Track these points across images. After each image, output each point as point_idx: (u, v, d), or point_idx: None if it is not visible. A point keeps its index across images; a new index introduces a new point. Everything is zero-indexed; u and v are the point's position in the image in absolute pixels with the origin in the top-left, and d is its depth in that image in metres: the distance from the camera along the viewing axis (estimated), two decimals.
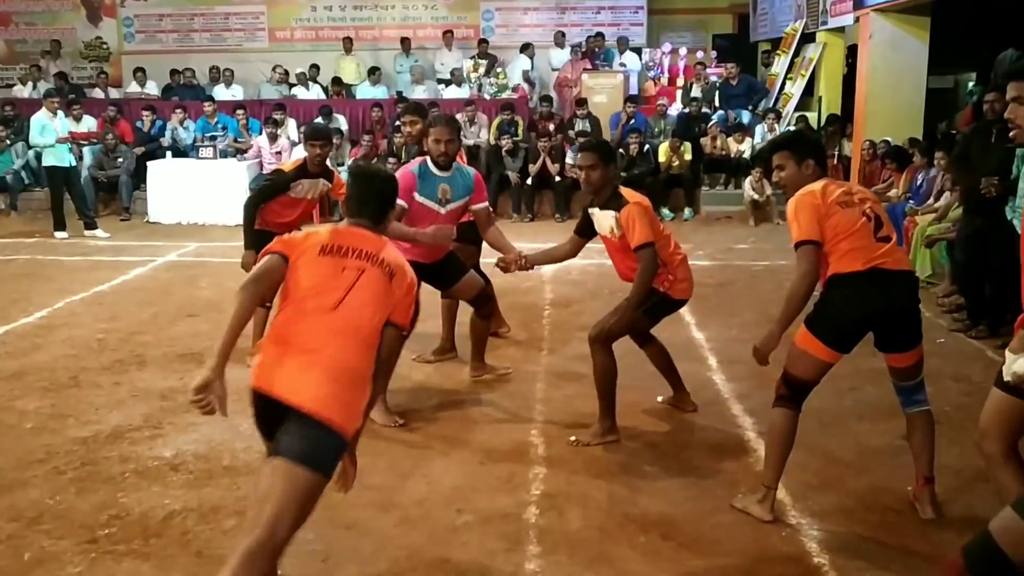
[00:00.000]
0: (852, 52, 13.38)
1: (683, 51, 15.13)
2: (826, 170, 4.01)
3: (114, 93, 15.33)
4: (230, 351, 3.01)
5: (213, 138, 12.88)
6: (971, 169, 6.61)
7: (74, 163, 11.57)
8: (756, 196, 12.01)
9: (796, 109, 13.67)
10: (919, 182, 9.42)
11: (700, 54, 15.29)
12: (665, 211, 12.25)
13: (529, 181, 12.57)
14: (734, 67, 14.11)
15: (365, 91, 14.83)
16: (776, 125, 12.88)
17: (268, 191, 6.03)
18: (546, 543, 3.76)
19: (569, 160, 12.55)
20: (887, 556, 3.65)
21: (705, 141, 13.02)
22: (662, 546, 3.74)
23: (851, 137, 12.56)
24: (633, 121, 13.08)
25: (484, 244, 5.79)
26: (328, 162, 6.24)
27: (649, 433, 4.96)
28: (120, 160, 12.91)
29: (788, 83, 14.21)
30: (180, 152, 13.22)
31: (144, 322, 7.26)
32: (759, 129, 13.11)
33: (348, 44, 15.71)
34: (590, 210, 4.84)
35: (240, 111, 13.50)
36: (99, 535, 3.85)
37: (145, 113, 13.81)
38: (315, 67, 15.12)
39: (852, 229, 3.72)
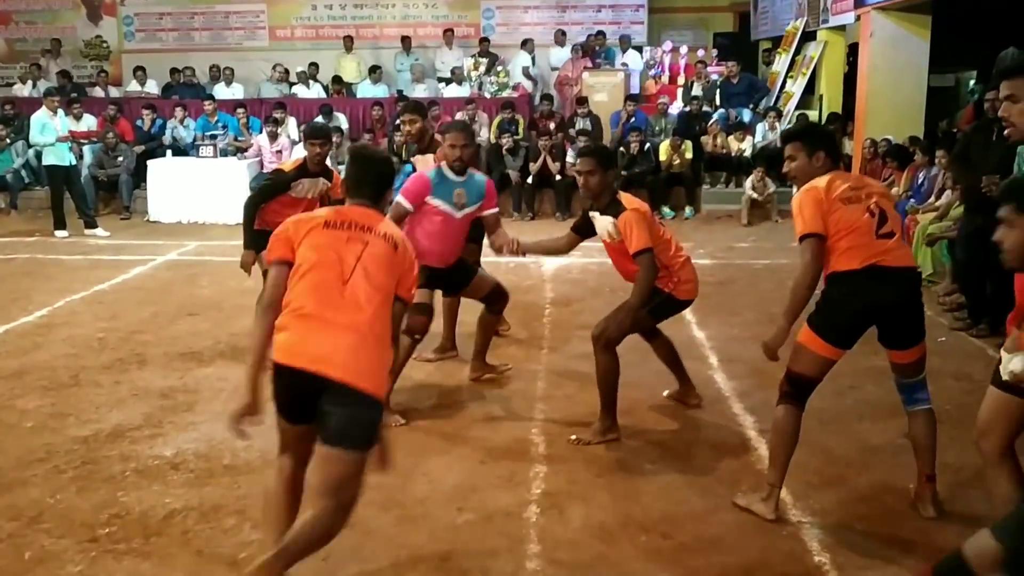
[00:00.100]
0: (853, 50, 13.37)
1: (684, 49, 15.10)
2: (838, 163, 4.01)
3: (114, 92, 15.34)
4: (259, 376, 3.23)
5: (213, 137, 12.89)
6: (972, 167, 6.60)
7: (74, 162, 11.57)
8: (756, 195, 12.00)
9: (797, 107, 13.67)
10: (920, 181, 9.41)
11: (701, 52, 15.28)
12: (666, 210, 12.25)
13: (530, 180, 12.56)
14: (735, 65, 14.10)
15: (366, 90, 14.83)
16: (777, 123, 12.88)
17: (268, 191, 6.02)
18: (547, 542, 3.76)
19: (570, 159, 12.55)
20: (888, 555, 3.65)
21: (706, 139, 13.02)
22: (663, 545, 3.74)
23: (852, 136, 12.55)
24: (634, 119, 13.07)
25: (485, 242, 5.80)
26: (328, 161, 6.24)
27: (650, 432, 4.95)
28: (120, 159, 12.91)
29: (789, 81, 14.20)
30: (180, 151, 13.22)
31: (144, 321, 7.26)
32: (760, 128, 13.11)
33: (348, 43, 15.70)
34: (591, 213, 4.84)
35: (240, 110, 13.50)
36: (99, 534, 3.85)
37: (145, 112, 13.81)
38: (314, 65, 15.11)
39: (852, 227, 3.72)
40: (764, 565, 3.57)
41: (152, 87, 15.33)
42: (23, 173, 13.23)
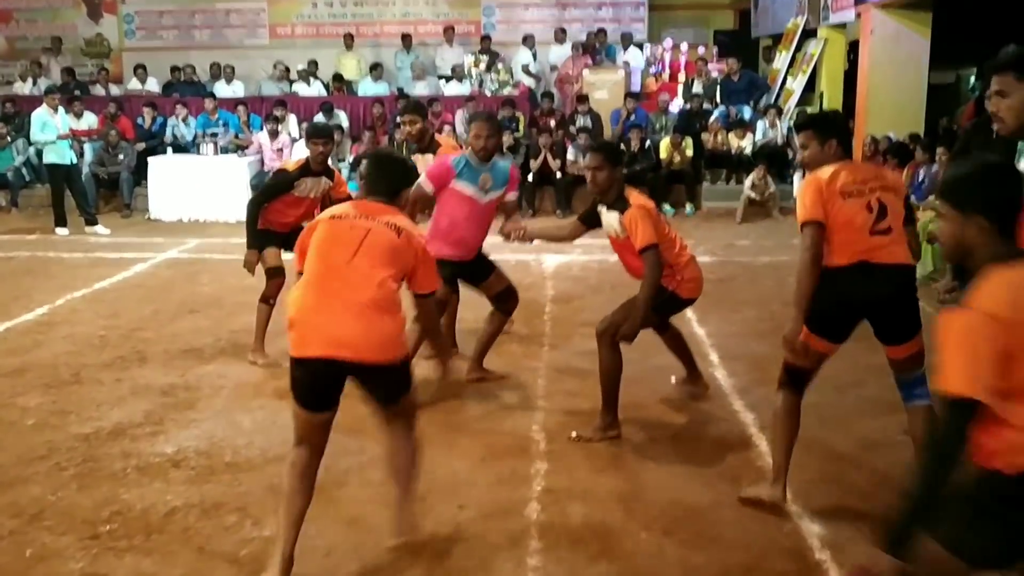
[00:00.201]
0: (853, 48, 13.37)
1: (684, 47, 15.10)
2: (850, 152, 4.03)
3: (115, 90, 15.35)
4: None
5: (214, 135, 12.90)
6: None
7: (75, 160, 11.58)
8: (754, 195, 11.99)
9: (797, 105, 13.67)
10: (921, 178, 9.42)
11: (701, 50, 15.26)
12: (666, 207, 12.25)
13: (530, 177, 12.56)
14: (735, 63, 14.10)
15: (367, 87, 14.82)
16: (777, 121, 12.88)
17: (272, 190, 6.02)
18: (548, 538, 3.76)
19: (570, 156, 12.56)
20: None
21: (706, 137, 13.02)
22: (664, 541, 3.74)
23: (852, 133, 12.54)
24: (634, 117, 13.08)
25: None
26: (328, 160, 6.24)
27: (651, 428, 4.96)
28: (121, 157, 12.91)
29: (789, 79, 14.21)
30: (181, 149, 13.22)
31: (145, 319, 7.26)
32: (760, 125, 13.11)
33: (349, 40, 15.69)
34: (599, 207, 4.86)
35: (241, 107, 13.51)
36: (101, 531, 3.85)
37: (146, 110, 13.83)
38: (314, 63, 15.10)
39: (847, 222, 3.75)
40: (765, 562, 3.57)
41: (153, 85, 15.33)
42: (24, 171, 13.24)
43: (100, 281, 8.56)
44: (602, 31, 15.28)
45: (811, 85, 13.92)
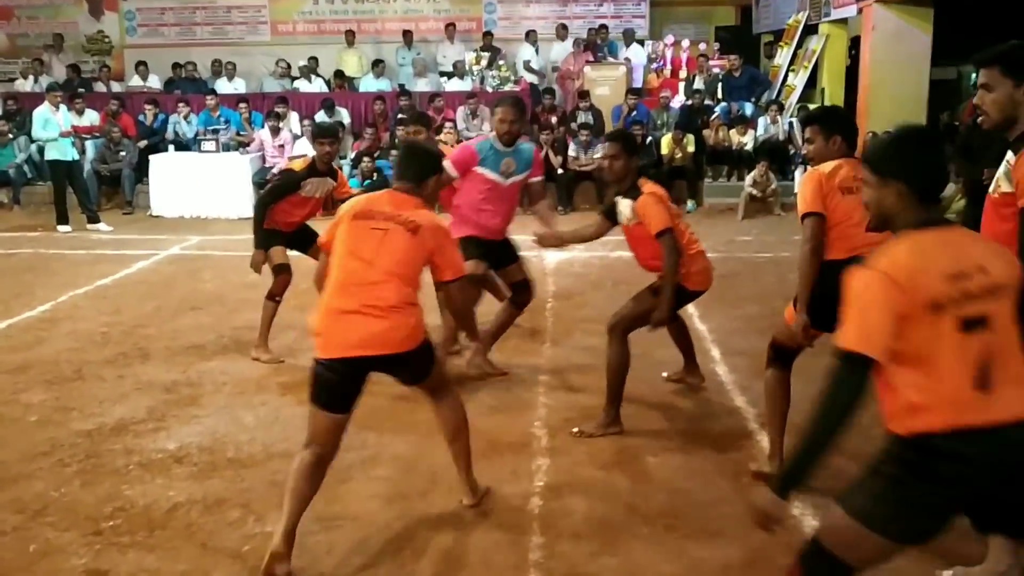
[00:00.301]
0: (855, 44, 13.35)
1: (686, 43, 15.08)
2: (854, 148, 4.13)
3: (116, 87, 15.34)
4: None
5: (215, 132, 12.89)
6: (974, 160, 6.60)
7: (77, 157, 11.58)
8: (755, 192, 11.97)
9: (799, 101, 13.65)
10: None
11: (703, 46, 15.25)
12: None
13: None
14: (737, 59, 14.08)
15: (369, 84, 14.81)
16: (779, 117, 12.86)
17: (280, 190, 6.03)
18: (550, 534, 3.77)
19: (572, 153, 12.56)
20: None
21: (708, 133, 13.01)
22: (665, 537, 3.75)
23: (858, 130, 12.52)
24: (635, 113, 13.06)
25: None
26: (333, 160, 6.26)
27: (652, 424, 4.96)
28: (123, 154, 12.91)
29: (791, 75, 14.19)
30: (182, 146, 13.22)
31: (147, 315, 7.27)
32: (762, 121, 13.10)
33: (350, 37, 15.68)
34: (616, 198, 4.94)
35: (242, 104, 13.50)
36: (104, 527, 3.86)
37: (147, 107, 13.82)
38: (314, 59, 15.09)
39: (845, 217, 3.86)
40: (766, 557, 3.58)
41: (154, 82, 15.33)
42: (26, 168, 13.24)
43: (102, 278, 8.57)
44: (604, 27, 15.25)
45: (812, 81, 13.91)
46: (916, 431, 2.29)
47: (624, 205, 4.80)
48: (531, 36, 15.14)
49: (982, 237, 2.51)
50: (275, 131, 12.70)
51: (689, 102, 13.69)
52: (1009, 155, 3.04)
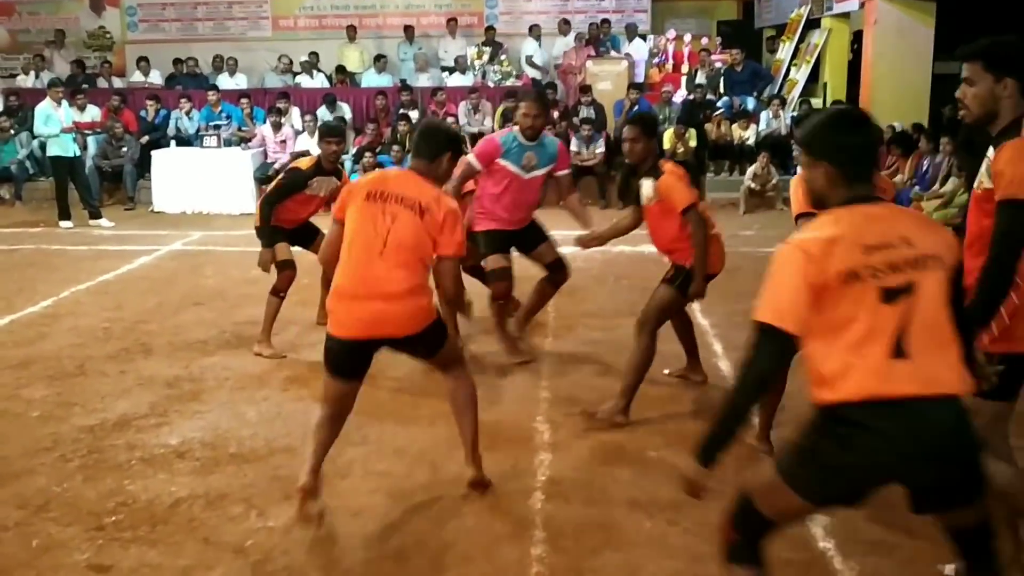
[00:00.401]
0: (857, 38, 13.32)
1: (687, 37, 15.03)
2: None
3: (118, 82, 15.32)
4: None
5: (217, 127, 12.88)
6: (977, 155, 6.57)
7: (78, 153, 11.57)
8: (754, 185, 11.95)
9: (801, 95, 13.62)
10: (924, 168, 9.41)
11: (705, 40, 15.22)
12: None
13: None
14: (739, 53, 14.03)
15: (371, 79, 14.80)
16: (781, 112, 12.83)
17: (286, 189, 6.03)
18: (551, 529, 3.77)
19: (574, 147, 12.53)
20: (891, 539, 3.65)
21: (710, 128, 12.98)
22: (668, 531, 3.75)
23: None
24: (637, 108, 13.02)
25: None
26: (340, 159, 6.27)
27: (653, 419, 4.96)
28: (124, 149, 12.91)
29: (793, 69, 14.16)
30: (184, 141, 13.21)
31: (149, 311, 7.27)
32: (764, 116, 13.06)
33: (352, 32, 15.65)
34: (641, 179, 5.03)
35: (244, 100, 13.48)
36: (106, 522, 3.87)
37: (149, 102, 13.81)
38: (315, 54, 15.07)
39: None
40: (769, 551, 3.57)
41: (156, 77, 15.31)
42: (27, 164, 13.23)
43: (104, 274, 8.58)
44: (606, 22, 15.22)
45: (815, 75, 13.87)
46: (832, 400, 2.34)
47: (646, 186, 4.92)
48: (534, 31, 15.10)
49: (913, 212, 2.56)
50: (277, 127, 12.69)
51: (691, 97, 13.66)
52: (990, 151, 3.04)
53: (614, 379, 5.60)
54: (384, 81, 14.59)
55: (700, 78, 14.04)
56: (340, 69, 14.84)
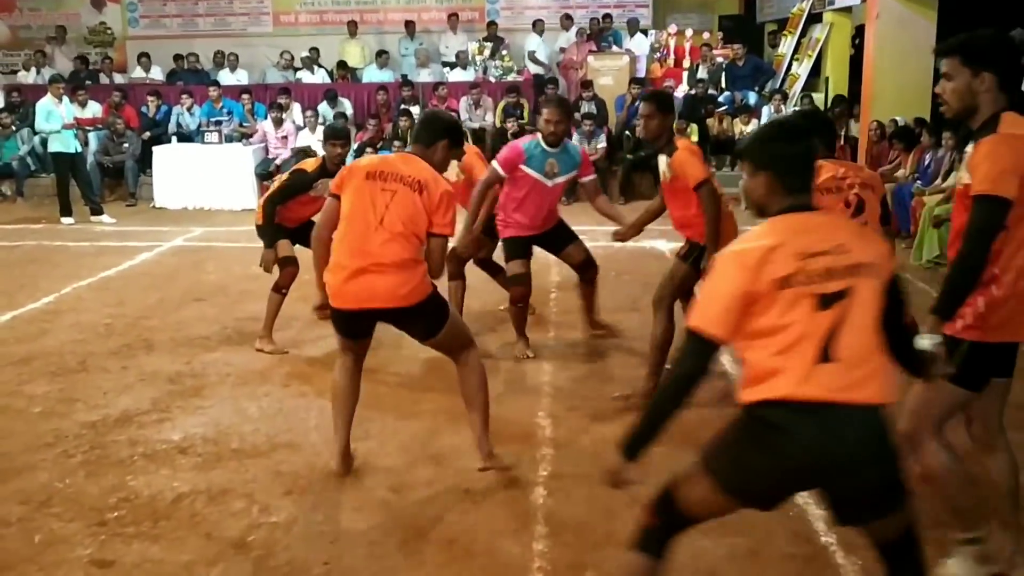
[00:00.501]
0: (859, 32, 13.30)
1: (689, 32, 15.02)
2: (833, 150, 4.32)
3: (119, 78, 15.32)
4: (323, 283, 4.03)
5: (218, 123, 12.87)
6: None
7: (80, 149, 11.57)
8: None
9: (803, 90, 13.59)
10: (927, 162, 9.39)
11: (706, 35, 15.20)
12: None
13: None
14: (740, 48, 14.03)
15: (372, 74, 14.79)
16: (783, 106, 12.81)
17: (291, 191, 6.02)
18: (553, 524, 3.77)
19: (576, 143, 12.51)
20: None
21: (711, 123, 12.96)
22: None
23: (858, 118, 12.49)
24: (638, 103, 13.00)
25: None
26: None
27: None
28: (126, 145, 12.91)
29: (795, 64, 14.13)
30: (185, 137, 13.21)
31: (151, 307, 7.28)
32: (766, 110, 13.05)
33: (353, 28, 15.64)
34: (658, 157, 5.09)
35: (245, 96, 13.48)
36: (108, 518, 3.87)
37: (150, 98, 13.80)
38: (315, 50, 15.06)
39: None
40: (771, 545, 3.58)
41: (157, 73, 15.30)
42: (29, 160, 13.23)
43: (106, 270, 8.58)
44: (607, 16, 15.20)
45: (816, 70, 13.85)
46: (755, 399, 2.38)
47: (662, 162, 4.96)
48: (538, 25, 15.08)
49: (849, 222, 2.62)
50: (278, 122, 12.69)
51: (692, 92, 13.65)
52: (969, 146, 3.05)
53: (616, 373, 5.61)
54: (385, 76, 14.58)
55: (701, 73, 14.02)
56: (341, 65, 14.83)
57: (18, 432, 4.79)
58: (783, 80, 14.09)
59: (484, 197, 5.71)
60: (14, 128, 13.15)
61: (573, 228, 6.01)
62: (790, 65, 14.19)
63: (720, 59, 14.30)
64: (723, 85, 13.87)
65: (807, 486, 2.49)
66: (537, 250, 5.97)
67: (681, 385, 2.45)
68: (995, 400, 3.22)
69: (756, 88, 13.77)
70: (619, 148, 12.81)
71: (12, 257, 9.32)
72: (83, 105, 12.16)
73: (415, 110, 12.77)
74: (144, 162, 12.90)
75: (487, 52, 14.52)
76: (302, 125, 12.85)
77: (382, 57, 14.91)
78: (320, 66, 14.95)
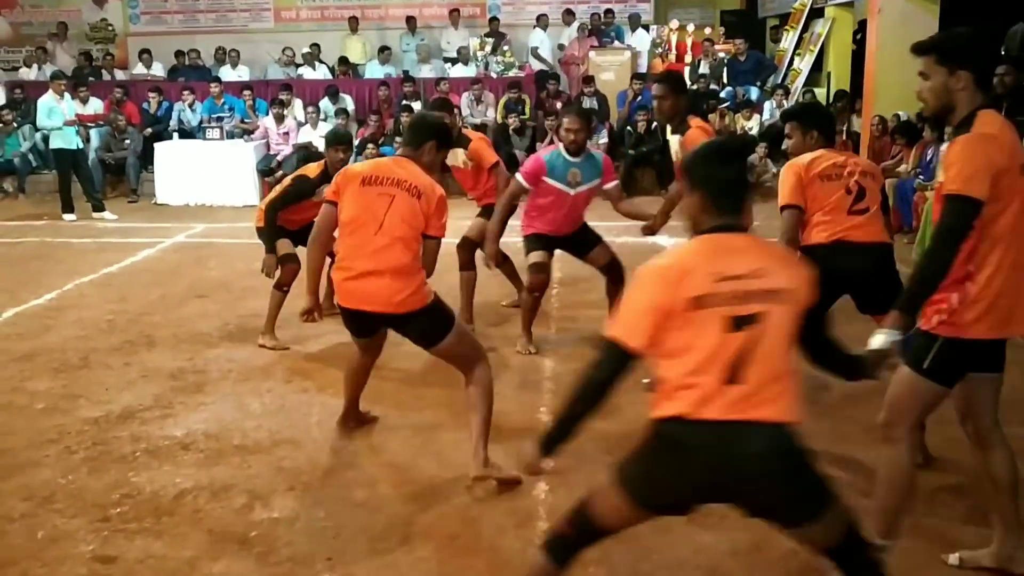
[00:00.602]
0: (861, 27, 13.27)
1: (691, 27, 14.98)
2: (832, 142, 4.42)
3: (120, 75, 15.32)
4: (316, 287, 4.29)
5: (220, 119, 12.87)
6: None
7: (81, 145, 11.57)
8: (750, 176, 11.88)
9: (805, 85, 13.58)
10: (928, 157, 9.36)
11: (708, 30, 15.17)
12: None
13: None
14: (742, 43, 14.00)
15: (374, 70, 14.78)
16: (784, 101, 12.79)
17: (292, 197, 6.01)
18: (555, 519, 3.76)
19: None
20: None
21: (713, 118, 12.93)
22: (672, 521, 3.72)
23: (860, 113, 12.47)
24: (640, 98, 13.00)
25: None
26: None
27: None
28: (127, 142, 12.91)
29: (797, 59, 14.11)
30: (187, 133, 13.21)
31: (153, 303, 7.28)
32: (767, 105, 13.04)
33: (354, 23, 15.62)
34: (670, 137, 5.17)
35: (246, 92, 13.47)
36: (111, 513, 3.88)
37: (152, 95, 13.80)
38: (316, 46, 15.05)
39: (825, 203, 4.11)
40: (773, 540, 3.56)
41: (158, 70, 15.29)
42: (30, 157, 13.23)
43: (108, 266, 8.59)
44: (609, 12, 15.17)
45: (818, 65, 13.83)
46: (661, 415, 2.46)
47: (674, 141, 5.02)
48: (542, 20, 15.05)
49: (772, 246, 2.66)
50: (279, 118, 12.68)
51: (694, 87, 13.59)
52: (943, 145, 3.07)
53: None
54: (387, 72, 14.56)
55: (703, 68, 13.99)
56: (343, 61, 14.81)
57: (21, 428, 4.80)
58: (785, 75, 14.07)
59: (509, 209, 5.79)
60: (16, 125, 13.15)
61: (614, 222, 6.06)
62: (792, 60, 14.17)
63: (722, 54, 14.26)
64: (725, 80, 13.84)
65: (716, 499, 2.56)
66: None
67: (594, 391, 2.53)
68: (985, 396, 3.22)
69: (758, 83, 13.76)
70: (621, 143, 12.79)
71: (14, 254, 9.33)
72: (84, 102, 12.18)
73: (417, 106, 12.77)
74: (146, 158, 12.90)
75: (488, 48, 14.49)
76: (304, 121, 12.85)
77: (384, 53, 14.90)
78: (321, 62, 14.94)
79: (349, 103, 13.50)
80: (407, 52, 15.31)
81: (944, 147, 3.07)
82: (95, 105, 12.54)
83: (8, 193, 13.14)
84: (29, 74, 15.01)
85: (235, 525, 3.79)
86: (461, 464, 4.24)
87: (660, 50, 14.87)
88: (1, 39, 16.97)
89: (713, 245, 2.47)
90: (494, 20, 15.27)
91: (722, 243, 2.47)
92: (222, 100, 13.31)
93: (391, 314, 3.99)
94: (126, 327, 6.60)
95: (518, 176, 5.76)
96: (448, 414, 4.85)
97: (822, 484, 2.49)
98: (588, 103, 12.98)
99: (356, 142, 12.35)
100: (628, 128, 12.62)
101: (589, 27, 14.72)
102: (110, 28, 16.77)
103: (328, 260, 4.54)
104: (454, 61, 14.84)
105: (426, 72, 14.46)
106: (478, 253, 6.24)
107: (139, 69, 15.33)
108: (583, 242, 5.90)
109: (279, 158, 12.42)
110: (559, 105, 13.05)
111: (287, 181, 6.20)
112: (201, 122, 13.12)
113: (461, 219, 6.21)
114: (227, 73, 14.71)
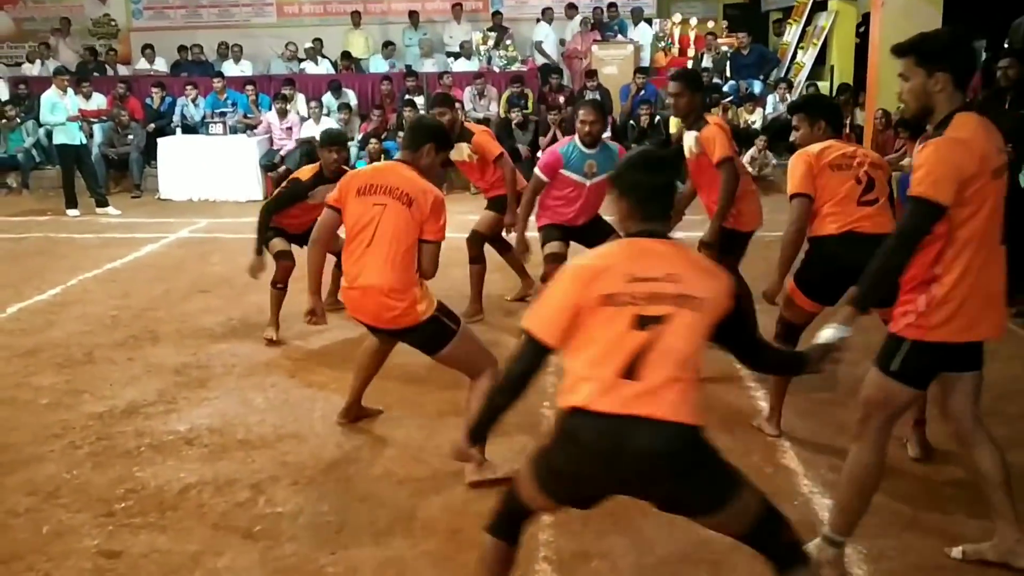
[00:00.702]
0: (865, 20, 13.23)
1: (694, 21, 14.95)
2: (839, 132, 4.43)
3: (123, 70, 15.32)
4: (317, 288, 4.33)
5: (223, 114, 12.87)
6: None
7: (84, 141, 11.57)
8: (751, 169, 11.86)
9: (808, 78, 13.56)
10: None
11: (711, 24, 15.14)
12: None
13: (539, 154, 12.50)
14: (745, 37, 13.96)
15: (377, 65, 14.77)
16: (788, 95, 12.78)
17: (285, 200, 6.00)
18: (559, 514, 3.77)
19: None
20: (898, 523, 3.66)
21: (716, 111, 12.91)
22: (673, 516, 3.74)
23: (863, 106, 12.44)
24: (643, 92, 12.99)
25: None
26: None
27: None
28: (130, 137, 12.91)
29: (800, 52, 14.09)
30: (190, 128, 13.22)
31: (156, 298, 7.29)
32: (770, 99, 13.01)
33: (356, 18, 15.60)
34: (684, 133, 5.20)
35: (249, 87, 13.46)
36: (116, 508, 3.89)
37: (154, 90, 13.80)
38: (318, 40, 15.04)
39: (836, 193, 4.10)
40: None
41: (161, 65, 15.29)
42: (34, 152, 13.25)
43: (111, 261, 8.60)
44: (612, 6, 15.14)
45: (822, 58, 13.80)
46: (563, 407, 2.53)
47: (689, 137, 5.04)
48: (547, 14, 15.02)
49: (697, 256, 2.71)
50: (282, 113, 12.68)
51: None
52: (917, 146, 3.07)
53: None
54: (389, 67, 14.54)
55: (706, 62, 13.97)
56: (345, 55, 14.80)
57: (25, 423, 4.82)
58: (788, 69, 14.05)
59: (532, 204, 5.88)
60: (19, 120, 13.16)
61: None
62: (795, 53, 14.15)
63: (725, 48, 14.23)
64: (728, 74, 13.81)
65: (615, 492, 2.60)
66: (535, 244, 6.03)
67: (514, 382, 2.60)
68: (961, 395, 3.23)
69: (761, 77, 13.72)
70: (623, 137, 12.77)
71: (18, 249, 9.34)
72: (88, 97, 12.17)
73: (419, 100, 12.76)
74: (149, 154, 12.90)
75: (491, 42, 14.47)
76: (306, 116, 12.85)
77: (386, 48, 14.88)
78: (324, 57, 14.93)
79: (352, 98, 13.49)
80: (410, 47, 15.29)
81: (918, 147, 3.06)
82: (98, 100, 12.54)
83: (12, 189, 13.16)
84: (32, 70, 15.01)
85: (239, 519, 3.80)
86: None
87: (663, 44, 14.83)
88: (4, 35, 16.98)
89: (633, 248, 2.55)
90: (497, 14, 15.24)
91: (642, 247, 2.54)
92: (225, 95, 13.30)
93: (380, 327, 4.14)
94: (130, 322, 6.61)
95: (537, 170, 5.86)
96: (452, 408, 4.85)
97: (724, 476, 2.54)
98: (591, 97, 12.96)
99: (359, 137, 12.38)
100: (631, 122, 12.60)
101: (592, 21, 14.69)
102: (113, 23, 16.77)
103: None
104: (457, 55, 14.81)
105: (429, 66, 14.45)
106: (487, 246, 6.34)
107: (142, 64, 15.34)
108: (597, 233, 5.92)
109: (282, 153, 12.42)
110: (561, 99, 13.06)
111: (281, 185, 6.22)
112: (204, 117, 13.12)
113: (465, 214, 6.22)
114: (230, 68, 14.70)
